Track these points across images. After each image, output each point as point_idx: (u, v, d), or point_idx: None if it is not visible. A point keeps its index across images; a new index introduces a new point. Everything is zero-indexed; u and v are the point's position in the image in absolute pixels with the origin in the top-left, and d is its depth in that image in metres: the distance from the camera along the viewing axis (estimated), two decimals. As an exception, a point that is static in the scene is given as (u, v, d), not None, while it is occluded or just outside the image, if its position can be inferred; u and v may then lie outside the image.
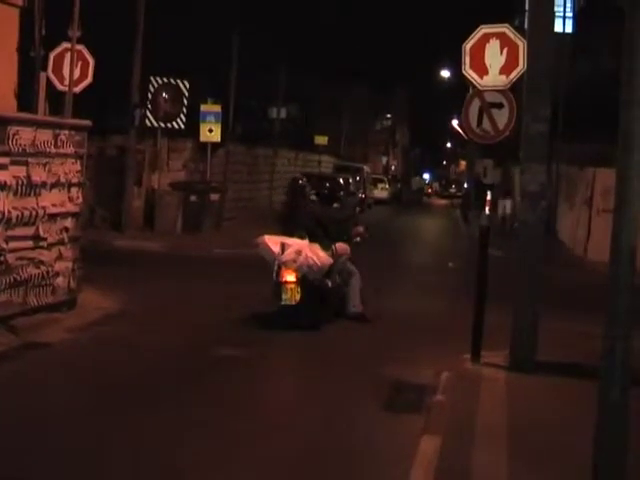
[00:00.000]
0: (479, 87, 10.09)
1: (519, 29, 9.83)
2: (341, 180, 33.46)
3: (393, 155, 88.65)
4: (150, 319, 11.29)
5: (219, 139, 23.47)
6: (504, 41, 9.93)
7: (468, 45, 10.05)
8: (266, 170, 32.48)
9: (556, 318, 11.16)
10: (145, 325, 10.87)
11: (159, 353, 9.52)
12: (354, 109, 59.84)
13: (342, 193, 31.41)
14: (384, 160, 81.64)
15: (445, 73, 54.73)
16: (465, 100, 10.30)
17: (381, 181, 53.90)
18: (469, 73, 10.04)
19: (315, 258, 11.14)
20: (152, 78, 22.06)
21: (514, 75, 9.90)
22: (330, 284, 11.53)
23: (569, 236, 25.13)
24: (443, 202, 64.02)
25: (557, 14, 40.78)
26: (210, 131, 23.01)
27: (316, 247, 11.38)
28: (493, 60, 9.92)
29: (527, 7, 9.60)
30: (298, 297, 10.97)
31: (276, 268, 11.02)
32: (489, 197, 9.84)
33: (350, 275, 11.91)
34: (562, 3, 41.01)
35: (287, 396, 8.18)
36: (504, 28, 10.08)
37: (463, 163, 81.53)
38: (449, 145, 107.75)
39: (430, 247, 24.54)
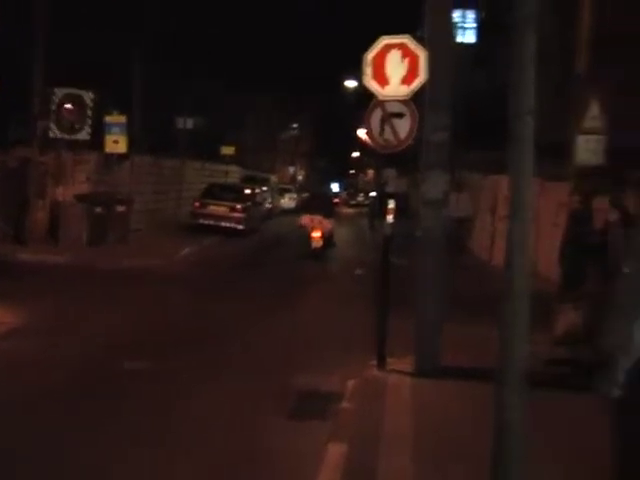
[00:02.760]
0: (380, 97, 10.17)
1: (422, 40, 9.90)
2: (248, 190, 33.33)
3: (300, 165, 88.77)
4: (53, 334, 11.10)
5: (125, 150, 23.19)
6: (405, 51, 9.99)
7: (369, 55, 10.12)
8: (173, 181, 32.25)
9: (460, 323, 11.35)
10: (48, 340, 10.68)
11: (61, 368, 9.36)
12: (259, 119, 59.85)
13: (249, 203, 31.28)
14: (291, 170, 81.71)
15: (351, 83, 54.96)
16: (367, 110, 10.38)
17: (288, 191, 53.91)
18: (370, 84, 10.11)
19: (327, 224, 23.32)
20: (55, 89, 21.69)
21: (415, 85, 9.96)
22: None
23: (474, 242, 25.54)
24: (351, 211, 64.20)
25: (459, 25, 41.59)
26: (116, 142, 22.71)
27: (324, 219, 23.20)
28: (394, 70, 9.99)
29: (425, 18, 9.70)
30: (321, 244, 22.85)
31: (309, 230, 22.83)
32: (391, 205, 9.90)
33: None
34: (464, 15, 41.88)
35: (191, 403, 8.13)
36: (405, 39, 10.16)
37: (370, 172, 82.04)
38: (357, 154, 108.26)
39: (338, 254, 24.68)
